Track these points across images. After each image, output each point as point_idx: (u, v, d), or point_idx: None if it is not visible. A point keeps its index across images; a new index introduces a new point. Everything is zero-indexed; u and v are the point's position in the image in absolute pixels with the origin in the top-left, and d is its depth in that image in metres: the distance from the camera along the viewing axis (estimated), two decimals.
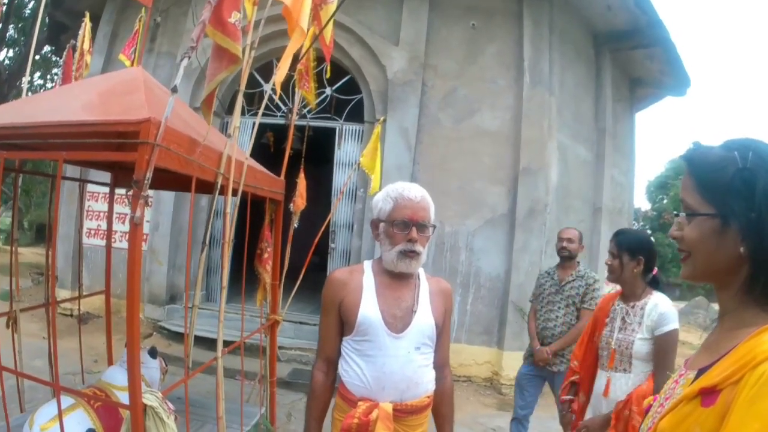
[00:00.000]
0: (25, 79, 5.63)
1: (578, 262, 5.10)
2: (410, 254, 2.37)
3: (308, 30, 3.76)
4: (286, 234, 4.67)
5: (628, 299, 3.29)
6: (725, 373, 1.06)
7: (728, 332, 1.19)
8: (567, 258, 5.01)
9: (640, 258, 3.23)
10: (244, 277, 3.77)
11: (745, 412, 0.97)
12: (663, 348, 3.06)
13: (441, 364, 2.55)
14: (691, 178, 1.26)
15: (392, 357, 2.32)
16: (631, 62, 10.69)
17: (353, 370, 2.37)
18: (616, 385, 3.18)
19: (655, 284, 3.32)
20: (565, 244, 4.98)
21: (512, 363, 4.87)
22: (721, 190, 1.19)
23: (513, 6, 8.39)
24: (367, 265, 2.55)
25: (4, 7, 5.02)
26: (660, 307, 3.12)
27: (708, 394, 1.08)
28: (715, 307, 1.29)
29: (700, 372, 1.18)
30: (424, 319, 2.41)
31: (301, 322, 8.32)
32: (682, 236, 1.28)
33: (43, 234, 21.75)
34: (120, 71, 3.99)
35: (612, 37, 9.74)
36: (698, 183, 1.24)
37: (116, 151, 2.54)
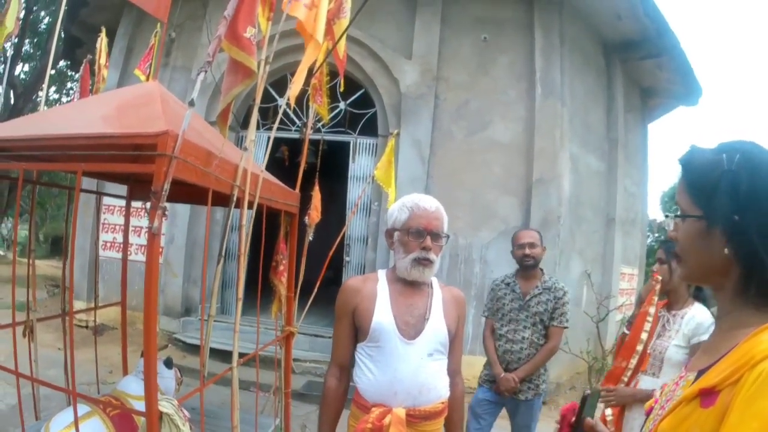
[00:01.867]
0: (42, 93, 5.70)
1: (542, 270, 4.36)
2: (424, 262, 2.42)
3: (322, 44, 3.79)
4: (301, 246, 4.68)
5: (671, 307, 3.38)
6: (724, 374, 1.07)
7: (726, 333, 1.19)
8: (531, 266, 4.25)
9: None
10: (259, 289, 3.78)
11: (744, 412, 0.97)
12: None
13: (453, 372, 2.59)
14: (683, 181, 1.29)
15: (405, 363, 2.36)
16: (641, 72, 10.67)
17: (366, 376, 2.42)
18: (641, 387, 3.26)
19: (698, 294, 3.38)
20: (527, 250, 4.21)
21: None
22: (707, 191, 1.20)
23: (523, 17, 8.42)
24: (381, 273, 2.61)
25: (20, 22, 5.11)
26: (698, 318, 3.20)
27: (707, 395, 1.09)
28: None
29: (700, 373, 1.18)
30: (437, 326, 2.45)
31: (315, 335, 8.33)
32: (677, 237, 1.30)
33: (58, 247, 21.87)
34: (136, 85, 4.04)
35: (622, 46, 9.76)
36: (688, 185, 1.27)
37: (133, 163, 2.59)
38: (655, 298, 3.41)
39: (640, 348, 3.37)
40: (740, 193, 1.14)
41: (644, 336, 3.36)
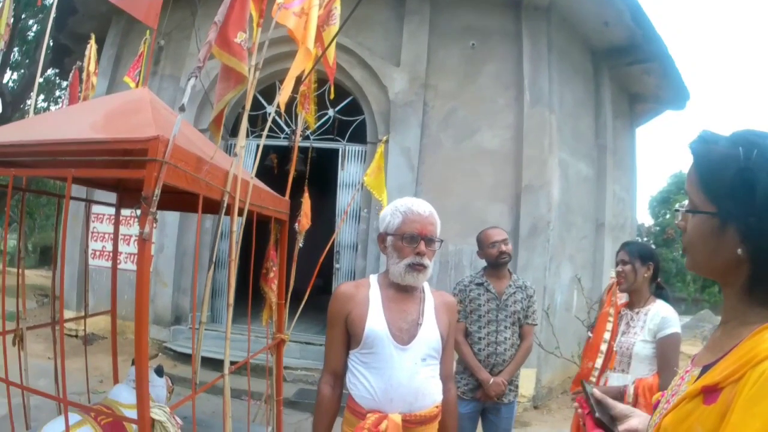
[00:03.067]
0: (31, 102, 5.68)
1: (509, 269, 4.29)
2: (418, 267, 2.42)
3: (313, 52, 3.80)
4: (291, 254, 4.67)
5: (633, 306, 3.44)
6: (727, 371, 1.05)
7: (732, 330, 1.17)
8: (505, 263, 4.18)
9: (650, 264, 3.39)
10: (250, 297, 3.77)
11: (746, 412, 0.96)
12: (665, 350, 3.19)
13: (445, 377, 2.59)
14: (695, 172, 1.23)
15: (399, 369, 2.34)
16: (629, 78, 10.73)
17: (361, 383, 2.40)
18: (611, 384, 3.31)
19: (660, 293, 3.47)
20: (503, 247, 4.10)
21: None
22: (721, 189, 1.15)
23: (511, 25, 8.47)
24: (373, 278, 2.60)
25: (9, 29, 5.07)
26: (662, 312, 3.27)
27: (710, 392, 1.07)
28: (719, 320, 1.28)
29: (705, 369, 1.16)
30: (430, 332, 2.44)
31: (307, 343, 8.31)
32: (685, 228, 1.26)
33: (47, 256, 21.78)
34: (126, 92, 4.04)
35: (609, 53, 9.81)
36: (701, 179, 1.21)
37: (123, 169, 2.58)
38: (614, 299, 3.49)
39: (604, 347, 3.45)
40: (758, 194, 1.09)
41: (607, 336, 3.45)
